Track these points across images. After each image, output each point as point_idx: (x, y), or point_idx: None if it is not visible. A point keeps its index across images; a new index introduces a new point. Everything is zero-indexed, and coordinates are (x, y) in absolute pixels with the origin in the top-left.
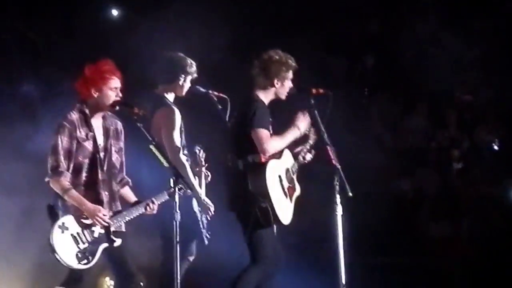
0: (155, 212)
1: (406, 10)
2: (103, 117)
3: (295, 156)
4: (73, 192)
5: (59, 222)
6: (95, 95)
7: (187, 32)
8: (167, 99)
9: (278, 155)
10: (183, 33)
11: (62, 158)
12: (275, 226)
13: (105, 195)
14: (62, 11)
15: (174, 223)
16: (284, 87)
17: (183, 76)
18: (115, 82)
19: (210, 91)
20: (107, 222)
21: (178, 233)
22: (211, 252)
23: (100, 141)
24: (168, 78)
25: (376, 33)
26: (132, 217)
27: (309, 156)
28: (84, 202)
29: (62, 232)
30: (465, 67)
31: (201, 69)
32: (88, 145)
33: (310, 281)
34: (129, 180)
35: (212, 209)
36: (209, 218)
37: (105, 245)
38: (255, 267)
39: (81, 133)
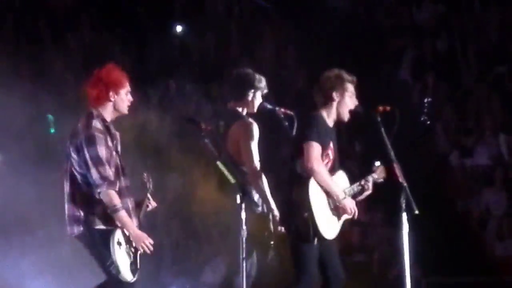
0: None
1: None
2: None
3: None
4: (123, 213)
5: (115, 239)
6: (113, 99)
7: (256, 50)
8: (241, 112)
9: (331, 173)
10: (252, 50)
11: (106, 167)
12: (326, 245)
13: (130, 202)
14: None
15: (241, 239)
16: (344, 101)
17: (252, 91)
18: (128, 86)
19: (277, 108)
20: (150, 251)
21: (245, 250)
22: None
23: (118, 147)
24: (238, 94)
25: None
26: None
27: (370, 187)
28: (132, 228)
29: (118, 247)
30: None
31: (270, 86)
32: (115, 153)
33: None
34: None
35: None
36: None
37: (140, 251)
38: (298, 285)
39: (109, 141)
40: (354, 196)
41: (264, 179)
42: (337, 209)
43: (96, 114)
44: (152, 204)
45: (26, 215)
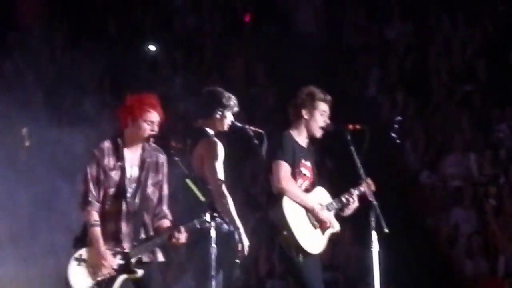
0: (183, 241)
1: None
2: (143, 149)
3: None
4: (95, 230)
5: (76, 255)
6: (130, 125)
7: (226, 67)
8: (208, 132)
9: (309, 189)
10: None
11: (91, 186)
12: (314, 259)
13: (126, 227)
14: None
15: (210, 257)
16: (314, 119)
17: (220, 109)
18: (153, 116)
19: (247, 126)
20: (108, 270)
21: (214, 268)
22: None
23: (131, 171)
24: (205, 112)
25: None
26: (154, 247)
27: (355, 200)
28: (98, 245)
29: (79, 264)
30: None
31: (240, 104)
32: (115, 175)
33: None
34: (168, 214)
35: (246, 247)
36: (243, 254)
37: (124, 276)
38: None
39: (109, 162)
40: (340, 210)
41: (228, 197)
42: (322, 224)
43: (111, 136)
44: (178, 238)
45: None
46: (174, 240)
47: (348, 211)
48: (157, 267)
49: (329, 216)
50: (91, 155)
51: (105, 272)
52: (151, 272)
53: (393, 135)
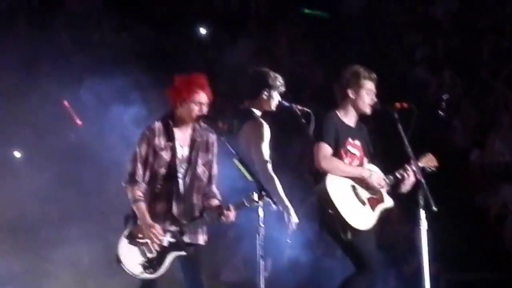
0: (232, 219)
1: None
2: (193, 129)
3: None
4: (140, 204)
5: (126, 232)
6: (179, 106)
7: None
8: (254, 113)
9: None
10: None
11: (139, 166)
12: (365, 235)
13: (177, 207)
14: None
15: (257, 236)
16: (361, 98)
17: (267, 90)
18: (201, 97)
19: (294, 105)
20: (159, 240)
21: (263, 248)
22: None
23: (182, 151)
24: (252, 93)
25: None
26: (204, 225)
27: (410, 179)
28: (144, 217)
29: (129, 242)
30: None
31: (287, 84)
32: (165, 155)
33: None
34: (217, 193)
35: (295, 225)
36: (292, 233)
37: (174, 254)
38: (358, 275)
39: (160, 142)
40: (394, 187)
41: (275, 178)
42: (371, 201)
43: (162, 116)
44: (228, 216)
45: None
46: (223, 218)
47: (405, 187)
48: (203, 250)
49: (381, 180)
50: (142, 135)
51: (155, 247)
52: (198, 253)
53: (441, 113)
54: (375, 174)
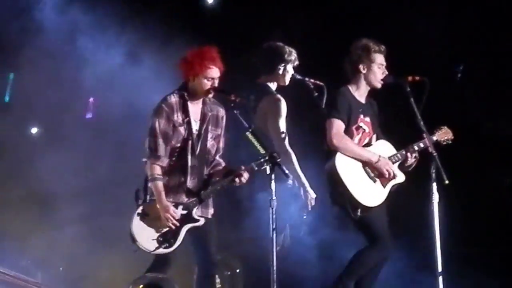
0: (244, 181)
1: None
2: (203, 102)
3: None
4: (158, 183)
5: (139, 210)
6: (191, 81)
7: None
8: (271, 88)
9: (369, 143)
10: (282, 21)
11: (160, 141)
12: (376, 210)
13: (192, 181)
14: None
15: (270, 210)
16: (373, 72)
17: (282, 65)
18: (213, 72)
19: (307, 78)
20: (173, 224)
21: (274, 220)
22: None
23: (195, 126)
24: (268, 68)
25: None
26: (219, 189)
27: (412, 159)
28: (160, 198)
29: (142, 218)
30: None
31: (300, 57)
32: (183, 130)
33: (406, 268)
34: (221, 161)
35: (313, 201)
36: (309, 209)
37: (188, 226)
38: (371, 249)
39: (178, 117)
40: (404, 162)
41: (292, 154)
42: (378, 175)
43: (178, 90)
44: (241, 176)
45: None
46: (237, 180)
47: (408, 165)
48: (213, 222)
49: (389, 167)
50: (160, 109)
51: (169, 224)
52: (209, 226)
53: (457, 80)
54: (382, 160)
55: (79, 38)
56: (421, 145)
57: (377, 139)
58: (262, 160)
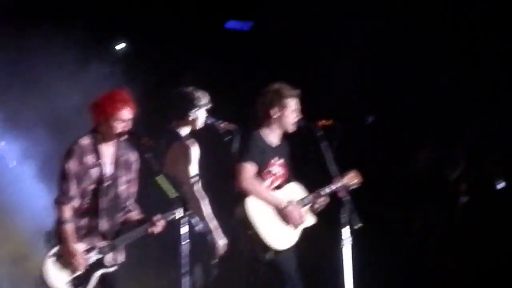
0: (159, 230)
1: None
2: (116, 146)
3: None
4: (67, 227)
5: (50, 253)
6: (105, 124)
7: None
8: (180, 134)
9: (281, 186)
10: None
11: (72, 182)
12: (286, 253)
13: (104, 223)
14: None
15: (180, 252)
16: (285, 117)
17: (193, 111)
18: (124, 114)
19: (219, 121)
20: (82, 266)
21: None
22: None
23: (108, 169)
24: (179, 114)
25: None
26: (133, 239)
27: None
28: (68, 243)
29: (54, 262)
30: None
31: (213, 100)
32: (94, 172)
33: None
34: (136, 207)
35: (223, 247)
36: (218, 254)
37: (100, 271)
38: None
39: (89, 159)
40: (312, 206)
41: (205, 198)
42: (286, 220)
43: (89, 132)
44: (157, 226)
45: None
46: (152, 230)
47: (319, 205)
48: (121, 269)
49: (297, 212)
50: (71, 152)
51: (80, 268)
52: (118, 273)
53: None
54: (289, 207)
55: None
56: (327, 190)
57: (289, 181)
58: (173, 212)
